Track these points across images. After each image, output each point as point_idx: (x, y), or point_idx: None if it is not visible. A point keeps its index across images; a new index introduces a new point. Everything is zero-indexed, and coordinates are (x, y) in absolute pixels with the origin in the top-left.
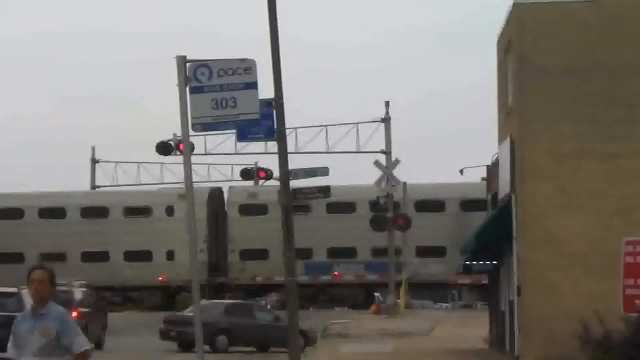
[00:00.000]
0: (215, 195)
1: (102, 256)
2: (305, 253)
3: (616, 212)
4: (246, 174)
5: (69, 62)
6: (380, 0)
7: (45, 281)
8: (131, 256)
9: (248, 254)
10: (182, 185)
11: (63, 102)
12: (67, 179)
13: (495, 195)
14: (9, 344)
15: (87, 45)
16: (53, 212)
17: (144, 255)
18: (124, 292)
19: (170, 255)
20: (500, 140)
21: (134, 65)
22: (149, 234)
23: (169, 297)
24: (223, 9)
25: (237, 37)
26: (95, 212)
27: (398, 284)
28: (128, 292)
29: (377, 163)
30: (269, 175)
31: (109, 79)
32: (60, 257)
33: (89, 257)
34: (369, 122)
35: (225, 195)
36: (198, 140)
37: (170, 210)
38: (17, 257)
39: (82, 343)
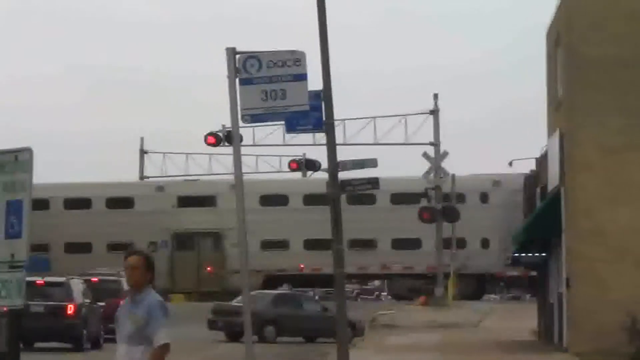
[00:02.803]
0: None
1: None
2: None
3: None
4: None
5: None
6: None
7: (138, 267)
8: None
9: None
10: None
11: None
12: (115, 170)
13: (544, 188)
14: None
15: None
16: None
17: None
18: None
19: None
20: (550, 133)
21: (185, 54)
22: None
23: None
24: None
25: (288, 28)
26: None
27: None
28: None
29: (425, 155)
30: (317, 166)
31: (157, 67)
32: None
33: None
34: (417, 114)
35: None
36: (247, 131)
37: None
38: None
39: (162, 336)
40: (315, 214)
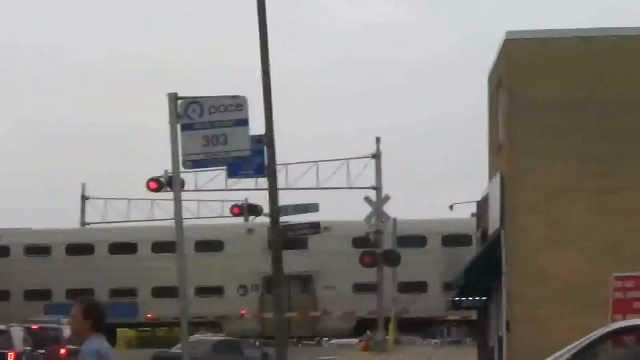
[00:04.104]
0: None
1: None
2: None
3: (606, 248)
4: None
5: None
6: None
7: (76, 316)
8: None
9: None
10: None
11: (48, 138)
12: (55, 217)
13: (485, 231)
14: None
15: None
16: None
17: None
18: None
19: None
20: (491, 176)
21: (125, 99)
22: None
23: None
24: (216, 45)
25: (229, 73)
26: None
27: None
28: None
29: (367, 199)
30: (259, 211)
31: (97, 112)
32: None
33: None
34: (359, 157)
35: None
36: (189, 176)
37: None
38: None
39: None
40: None
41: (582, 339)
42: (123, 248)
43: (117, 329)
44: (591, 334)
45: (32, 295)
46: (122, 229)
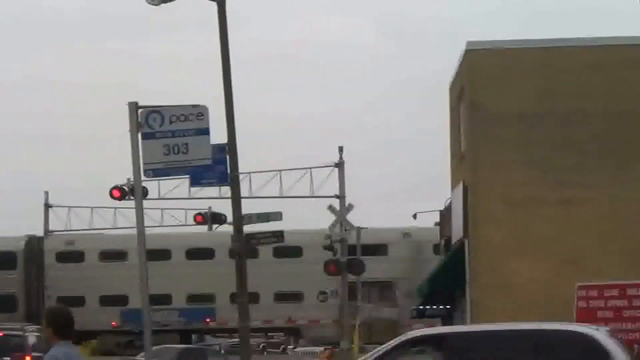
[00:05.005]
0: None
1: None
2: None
3: (568, 258)
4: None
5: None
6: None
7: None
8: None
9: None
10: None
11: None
12: (20, 224)
13: (448, 240)
14: None
15: (41, 93)
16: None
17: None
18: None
19: None
20: (453, 185)
21: (89, 110)
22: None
23: None
24: (174, 56)
25: (191, 84)
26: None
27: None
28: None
29: (330, 208)
30: (222, 220)
31: (62, 122)
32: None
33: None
34: (322, 166)
35: None
36: (152, 184)
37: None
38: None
39: None
40: None
41: (379, 348)
42: (200, 254)
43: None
44: (389, 342)
45: (107, 301)
46: (199, 234)
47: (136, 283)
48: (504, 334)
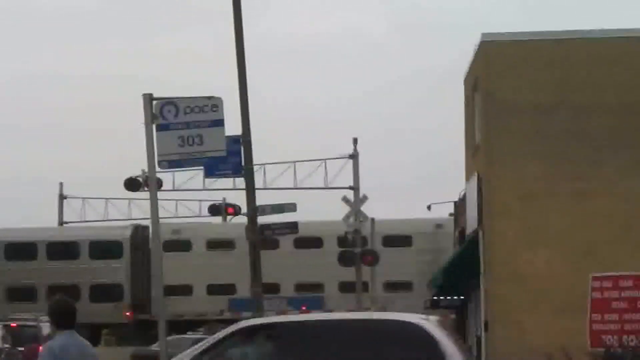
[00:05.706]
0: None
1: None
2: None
3: (582, 250)
4: (214, 210)
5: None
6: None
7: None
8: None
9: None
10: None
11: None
12: (34, 215)
13: (462, 231)
14: None
15: (58, 86)
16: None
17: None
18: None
19: None
20: (468, 177)
21: (104, 101)
22: None
23: None
24: (189, 48)
25: (207, 76)
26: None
27: None
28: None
29: (344, 199)
30: (237, 211)
31: (78, 114)
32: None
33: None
34: (336, 158)
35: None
36: (167, 175)
37: None
38: None
39: None
40: None
41: (211, 337)
42: (309, 243)
43: None
44: (220, 332)
45: (215, 289)
46: (308, 223)
47: (244, 272)
48: (334, 323)
